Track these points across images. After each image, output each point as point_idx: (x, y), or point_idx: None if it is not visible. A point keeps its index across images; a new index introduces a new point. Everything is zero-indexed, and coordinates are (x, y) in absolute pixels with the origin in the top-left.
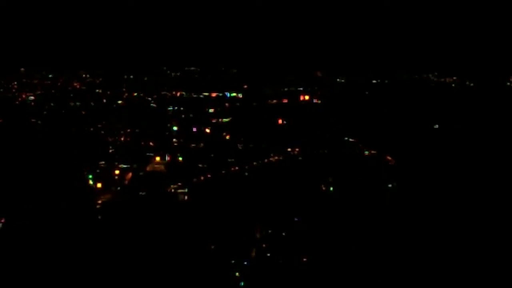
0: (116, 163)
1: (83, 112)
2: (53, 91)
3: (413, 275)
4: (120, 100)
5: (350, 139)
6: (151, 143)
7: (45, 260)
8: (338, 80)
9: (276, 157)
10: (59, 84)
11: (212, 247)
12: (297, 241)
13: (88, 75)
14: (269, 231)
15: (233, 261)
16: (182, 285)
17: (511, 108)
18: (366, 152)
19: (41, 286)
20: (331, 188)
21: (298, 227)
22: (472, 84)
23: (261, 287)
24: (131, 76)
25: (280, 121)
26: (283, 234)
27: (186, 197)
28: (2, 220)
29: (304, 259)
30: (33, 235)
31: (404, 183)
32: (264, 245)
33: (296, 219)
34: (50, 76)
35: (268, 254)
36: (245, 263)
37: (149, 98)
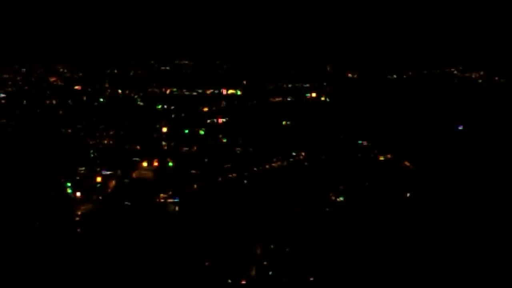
0: (98, 169)
1: (61, 112)
2: (26, 87)
3: None
4: (102, 97)
5: (363, 142)
6: (137, 147)
7: (18, 279)
8: (349, 75)
9: (279, 163)
10: (33, 79)
11: (207, 264)
12: (303, 259)
13: (66, 70)
14: (271, 247)
15: (229, 281)
16: None
17: None
18: (381, 157)
19: None
20: (342, 198)
21: (304, 243)
22: (502, 80)
23: None
24: (115, 71)
25: (283, 122)
26: (287, 250)
27: (177, 208)
28: None
29: (311, 279)
30: (3, 251)
31: (424, 192)
32: (265, 263)
33: (301, 233)
34: (23, 70)
35: (270, 273)
36: (244, 282)
37: (135, 96)
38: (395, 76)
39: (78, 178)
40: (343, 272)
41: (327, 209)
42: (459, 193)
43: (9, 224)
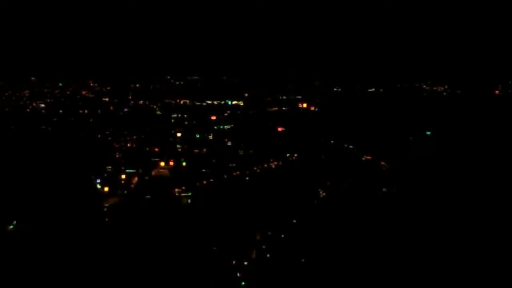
0: (123, 168)
1: (91, 119)
2: (62, 99)
3: (405, 272)
4: (126, 107)
5: (347, 146)
6: (156, 149)
7: (52, 262)
8: (335, 89)
9: (276, 163)
10: (68, 92)
11: (214, 248)
12: (296, 243)
13: (96, 84)
14: (269, 233)
15: (234, 262)
16: (185, 285)
17: (499, 114)
18: (362, 158)
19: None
20: (328, 192)
21: (297, 230)
22: (462, 92)
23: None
24: (137, 85)
25: (279, 128)
26: (282, 236)
27: (189, 201)
28: (14, 222)
29: (302, 260)
30: (42, 238)
31: (398, 187)
32: (264, 247)
33: (294, 221)
34: (60, 85)
35: (268, 255)
36: (246, 263)
37: (154, 106)
38: (373, 89)
39: (105, 175)
40: (330, 254)
41: (315, 201)
42: (427, 186)
43: (50, 213)
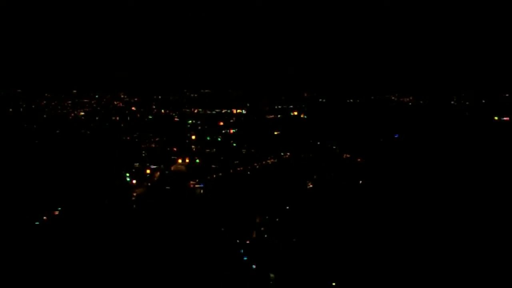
0: (147, 164)
1: (122, 125)
2: (98, 108)
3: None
4: (150, 115)
5: (330, 146)
6: (174, 149)
7: (93, 237)
8: (320, 100)
9: (272, 160)
10: (103, 103)
11: (222, 229)
12: (288, 225)
13: (125, 96)
14: (266, 217)
15: (238, 241)
16: (197, 257)
17: (454, 121)
18: (343, 156)
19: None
20: (315, 184)
21: (289, 214)
22: (424, 103)
23: (260, 261)
24: (159, 97)
25: (275, 132)
26: (277, 219)
27: (202, 191)
28: (59, 209)
29: (294, 239)
30: (84, 221)
31: (372, 179)
32: (262, 228)
33: (287, 208)
34: (96, 96)
35: (266, 235)
36: (247, 242)
37: (173, 114)
38: (351, 100)
39: (133, 170)
40: (316, 233)
41: (304, 191)
42: (396, 180)
43: (90, 200)
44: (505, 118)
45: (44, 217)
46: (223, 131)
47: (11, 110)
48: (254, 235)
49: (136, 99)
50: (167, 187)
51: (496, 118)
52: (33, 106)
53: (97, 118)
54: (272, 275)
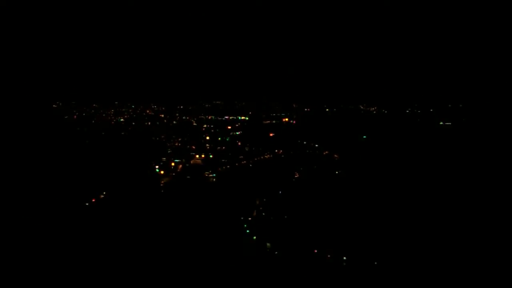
0: (172, 159)
1: (153, 128)
2: (134, 115)
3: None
4: (174, 121)
5: (313, 145)
6: (193, 147)
7: (135, 214)
8: (305, 109)
9: (268, 156)
10: (138, 111)
11: (230, 209)
12: (281, 206)
13: (155, 106)
14: (264, 200)
15: (242, 218)
16: (211, 229)
17: (408, 125)
18: (323, 153)
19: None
20: (301, 174)
21: (282, 198)
22: (386, 111)
23: (259, 235)
24: (181, 106)
25: (270, 134)
26: (272, 202)
27: (214, 179)
28: (104, 193)
29: (285, 217)
30: (125, 202)
31: (345, 171)
32: (261, 208)
33: (280, 192)
34: (132, 106)
35: (263, 214)
36: (249, 218)
37: (192, 120)
38: (328, 109)
39: (161, 163)
40: (302, 211)
41: (293, 180)
42: (364, 170)
43: (128, 186)
44: (447, 123)
45: (93, 199)
46: (231, 133)
47: (66, 117)
48: (255, 214)
49: (163, 108)
50: (187, 176)
51: (441, 123)
52: (84, 114)
53: (133, 123)
54: (268, 244)
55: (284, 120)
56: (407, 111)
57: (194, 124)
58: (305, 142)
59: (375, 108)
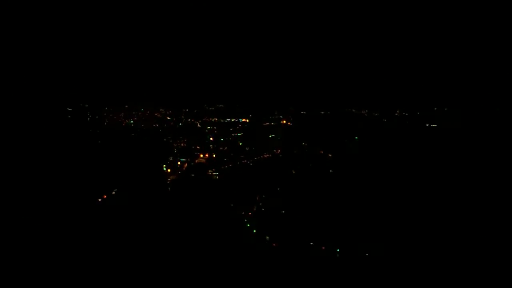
0: (178, 158)
1: (160, 130)
2: (143, 118)
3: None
4: (180, 123)
5: (309, 145)
6: (197, 147)
7: (142, 210)
8: (302, 112)
9: (267, 155)
10: (146, 114)
11: (232, 204)
12: (279, 202)
13: (162, 109)
14: (263, 196)
15: (243, 213)
16: (213, 224)
17: (397, 127)
18: (318, 152)
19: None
20: (298, 172)
21: (279, 194)
22: (376, 114)
23: (258, 227)
24: (186, 110)
25: (269, 135)
26: (270, 197)
27: (217, 177)
28: (114, 191)
29: (283, 211)
30: (134, 198)
31: (337, 168)
32: (260, 204)
33: (278, 189)
34: (142, 110)
35: (263, 209)
36: (250, 214)
37: (196, 122)
38: (323, 112)
39: (169, 162)
40: (298, 206)
41: (290, 175)
42: (355, 169)
43: (136, 183)
44: (433, 125)
45: (104, 195)
46: (233, 134)
47: (81, 119)
48: (255, 209)
49: (170, 111)
50: (192, 175)
51: (427, 125)
52: (96, 117)
53: (142, 125)
54: (267, 237)
55: (282, 122)
56: (396, 114)
57: (199, 126)
58: (303, 143)
59: (366, 111)
